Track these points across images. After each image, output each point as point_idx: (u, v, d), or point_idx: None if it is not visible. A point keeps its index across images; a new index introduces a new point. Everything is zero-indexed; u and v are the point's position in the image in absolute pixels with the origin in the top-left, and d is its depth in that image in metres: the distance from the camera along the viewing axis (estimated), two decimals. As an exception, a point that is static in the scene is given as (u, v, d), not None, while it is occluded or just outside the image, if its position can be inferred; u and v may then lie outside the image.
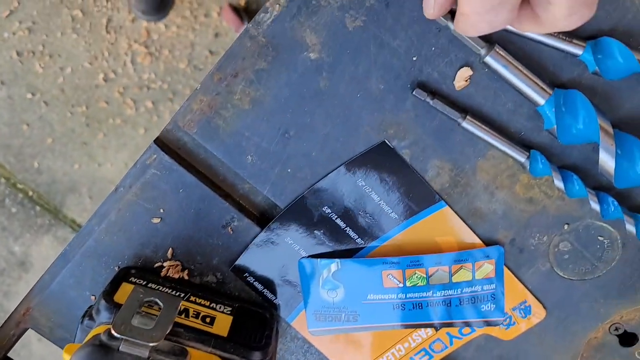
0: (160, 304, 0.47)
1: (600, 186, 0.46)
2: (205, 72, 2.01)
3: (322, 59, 0.43)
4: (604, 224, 0.47)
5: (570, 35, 0.40)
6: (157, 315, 0.45)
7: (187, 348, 0.46)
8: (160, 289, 0.51)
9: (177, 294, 0.51)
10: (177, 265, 0.52)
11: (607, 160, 0.41)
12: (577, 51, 0.40)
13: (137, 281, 0.51)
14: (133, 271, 0.52)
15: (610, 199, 0.45)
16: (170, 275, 0.52)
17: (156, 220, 0.50)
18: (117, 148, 2.05)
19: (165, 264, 0.52)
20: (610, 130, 0.41)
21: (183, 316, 0.49)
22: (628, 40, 0.41)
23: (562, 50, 0.41)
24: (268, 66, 0.44)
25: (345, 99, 0.44)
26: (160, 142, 0.48)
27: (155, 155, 0.47)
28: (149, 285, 0.51)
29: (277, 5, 0.42)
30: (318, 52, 0.43)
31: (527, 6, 0.31)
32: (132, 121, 2.06)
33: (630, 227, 0.45)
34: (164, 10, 1.79)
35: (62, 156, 2.02)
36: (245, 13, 1.90)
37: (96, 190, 2.10)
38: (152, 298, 0.47)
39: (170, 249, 0.51)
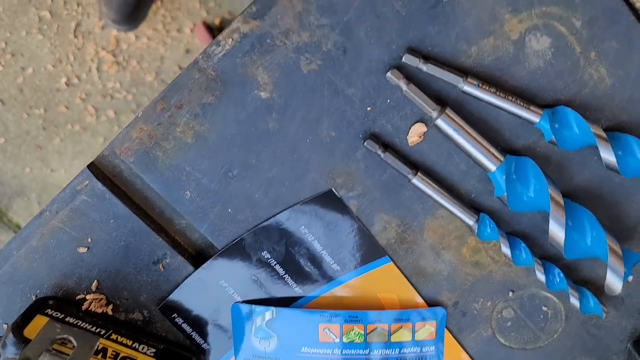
0: (74, 342, 0.43)
1: (547, 256, 0.44)
2: (173, 87, 1.97)
3: (273, 99, 0.41)
4: (549, 295, 0.46)
5: (528, 102, 0.39)
6: (68, 355, 0.42)
7: (99, 394, 0.42)
8: (79, 323, 0.47)
9: (98, 330, 0.47)
10: (102, 299, 0.48)
11: (556, 231, 0.40)
12: (534, 118, 0.39)
13: (54, 314, 0.47)
14: (51, 302, 0.48)
15: (557, 270, 0.44)
16: (93, 309, 0.49)
17: (82, 250, 0.46)
18: (73, 155, 1.99)
19: (88, 297, 0.48)
20: (561, 200, 0.40)
21: (100, 356, 0.45)
22: (584, 112, 0.40)
23: (519, 117, 0.39)
24: (215, 101, 0.41)
25: (294, 142, 0.42)
26: (95, 168, 0.45)
27: (87, 182, 0.44)
28: (67, 319, 0.47)
29: (230, 40, 0.40)
30: (269, 91, 0.41)
31: None
32: (92, 129, 2.00)
33: (575, 301, 0.44)
34: (135, 21, 1.76)
35: (14, 158, 1.94)
36: (218, 32, 1.87)
37: (46, 197, 2.01)
38: (65, 335, 0.43)
39: (96, 281, 0.48)
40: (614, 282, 0.41)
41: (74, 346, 0.43)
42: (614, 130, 0.40)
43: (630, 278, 0.43)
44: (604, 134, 0.39)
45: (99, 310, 0.49)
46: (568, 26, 0.38)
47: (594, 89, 0.40)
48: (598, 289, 0.44)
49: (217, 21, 1.93)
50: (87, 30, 1.86)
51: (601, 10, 0.38)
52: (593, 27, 0.38)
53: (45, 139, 1.94)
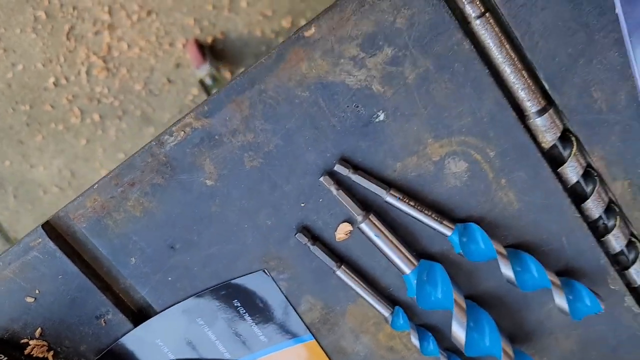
0: (13, 389, 0.46)
1: (453, 348, 0.49)
2: (161, 98, 2.00)
3: (217, 187, 0.45)
4: (454, 383, 0.50)
5: (442, 217, 0.44)
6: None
7: None
8: (20, 367, 0.51)
9: (37, 375, 0.51)
10: (44, 345, 0.52)
11: (457, 331, 0.45)
12: (447, 232, 0.44)
13: (-2, 355, 0.50)
14: (-3, 344, 0.51)
15: (461, 362, 0.48)
16: (35, 354, 0.52)
17: (30, 300, 0.50)
18: (54, 153, 2.01)
19: (31, 342, 0.52)
20: (464, 304, 0.45)
21: (35, 402, 0.49)
22: (493, 230, 0.45)
23: (433, 228, 0.44)
24: (164, 183, 0.46)
25: (233, 226, 0.46)
26: (49, 227, 0.48)
27: (40, 240, 0.48)
28: (10, 362, 0.50)
29: (182, 132, 0.44)
30: (214, 180, 0.45)
31: None
32: (75, 130, 2.02)
33: (474, 392, 0.48)
34: None
35: (-5, 150, 1.96)
36: (209, 51, 1.91)
37: (22, 191, 2.03)
38: (5, 382, 0.47)
39: (40, 328, 0.51)
40: (506, 382, 0.45)
41: (11, 391, 0.47)
42: (519, 249, 0.45)
43: (523, 379, 0.48)
44: (504, 251, 0.43)
45: (40, 355, 0.52)
46: (483, 155, 0.43)
47: (503, 211, 0.45)
48: (496, 383, 0.49)
49: (209, 39, 1.97)
50: (81, 34, 1.89)
51: (512, 145, 0.42)
52: (504, 158, 0.43)
53: (27, 135, 1.96)
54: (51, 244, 0.48)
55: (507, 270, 0.43)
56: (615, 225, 0.44)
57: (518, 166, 0.43)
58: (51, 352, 0.52)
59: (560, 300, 0.43)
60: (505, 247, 0.44)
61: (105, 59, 1.96)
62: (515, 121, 0.42)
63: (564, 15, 0.38)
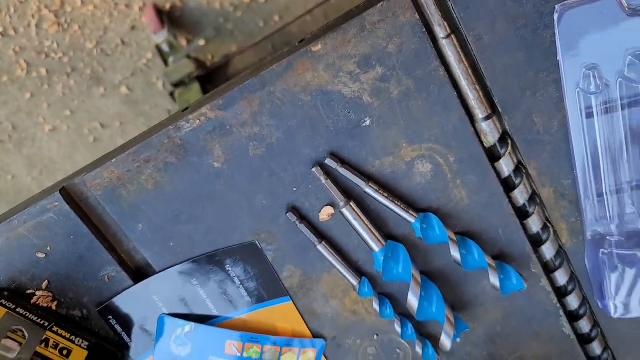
0: (26, 333, 0.53)
1: (406, 313, 0.60)
2: (113, 59, 1.99)
3: (223, 170, 0.53)
4: (402, 342, 0.61)
5: (408, 207, 0.54)
6: (15, 339, 0.52)
7: (41, 376, 0.52)
8: (27, 314, 0.57)
9: (42, 322, 0.57)
10: (49, 296, 0.58)
11: (412, 300, 0.55)
12: (410, 219, 0.54)
13: (7, 304, 0.56)
14: (5, 293, 0.57)
15: (410, 325, 0.59)
16: (40, 303, 0.58)
17: (41, 255, 0.56)
18: (-4, 104, 1.96)
19: (37, 293, 0.58)
20: (419, 278, 0.55)
21: (43, 345, 0.55)
22: (447, 219, 0.56)
23: (401, 216, 0.54)
24: (177, 162, 0.53)
25: (233, 204, 0.55)
26: (65, 193, 0.54)
27: (57, 204, 0.54)
28: (17, 309, 0.57)
29: (198, 120, 0.51)
30: (221, 163, 0.53)
31: None
32: (20, 83, 1.98)
33: (419, 349, 0.59)
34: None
35: None
36: (167, 17, 1.92)
37: (-39, 139, 1.98)
38: (19, 327, 0.53)
39: (47, 281, 0.58)
40: (446, 341, 0.57)
41: (24, 335, 0.53)
42: (465, 236, 0.56)
43: (458, 340, 0.60)
44: (454, 238, 0.54)
45: (45, 305, 0.59)
46: (445, 160, 0.53)
47: (456, 205, 0.55)
48: (437, 343, 0.60)
49: (167, 6, 1.98)
50: (33, -14, 1.85)
51: (468, 154, 0.53)
52: (461, 164, 0.53)
53: (-31, 83, 1.91)
54: (67, 208, 0.54)
55: (455, 253, 0.54)
56: (534, 211, 0.56)
57: (471, 171, 0.54)
58: (55, 302, 0.59)
59: (493, 278, 0.54)
60: (455, 234, 0.55)
61: (57, 13, 1.93)
62: (473, 136, 0.52)
63: (519, 57, 0.49)
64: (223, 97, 0.51)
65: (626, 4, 0.45)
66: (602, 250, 0.55)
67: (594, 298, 0.59)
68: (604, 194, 0.53)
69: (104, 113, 2.03)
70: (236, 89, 0.50)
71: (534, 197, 0.56)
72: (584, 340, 0.62)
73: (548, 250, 0.58)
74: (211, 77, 1.87)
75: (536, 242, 0.57)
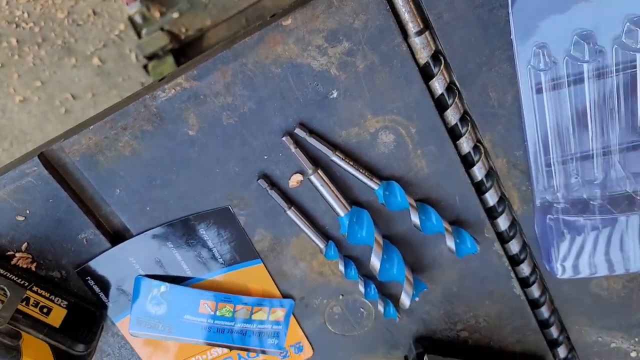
0: (7, 291, 0.55)
1: (369, 274, 0.64)
2: (85, 29, 1.97)
3: (197, 137, 0.56)
4: (366, 301, 0.66)
5: (372, 174, 0.58)
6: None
7: (22, 332, 0.55)
8: (7, 275, 0.59)
9: (22, 282, 0.60)
10: (28, 257, 0.61)
11: (374, 261, 0.60)
12: (374, 186, 0.58)
13: (-12, 265, 0.59)
14: (-14, 255, 0.59)
15: (373, 285, 0.63)
16: (20, 264, 0.61)
17: (20, 218, 0.58)
18: (-36, 74, 1.93)
19: (17, 255, 0.60)
20: (381, 241, 0.60)
21: (24, 304, 0.58)
22: (408, 187, 0.60)
23: (365, 183, 0.58)
24: (153, 129, 0.55)
25: (206, 170, 0.57)
26: (43, 158, 0.57)
27: (35, 168, 0.56)
28: (-2, 270, 0.59)
29: (173, 90, 0.54)
30: (195, 131, 0.56)
31: None
32: (-11, 52, 1.95)
33: (381, 308, 0.64)
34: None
35: None
36: (141, -12, 1.90)
37: None
38: (1, 286, 0.56)
39: (26, 243, 0.60)
40: (405, 300, 0.61)
41: (5, 294, 0.56)
42: (425, 203, 0.60)
43: (417, 299, 0.64)
44: (414, 204, 0.58)
45: (24, 266, 0.61)
46: (407, 131, 0.57)
47: (416, 174, 0.59)
48: (397, 302, 0.65)
49: (140, -24, 1.95)
50: (2, -47, 1.81)
51: (428, 126, 0.57)
52: (422, 135, 0.57)
53: None
54: (45, 172, 0.56)
55: (415, 218, 0.58)
56: (492, 185, 0.60)
57: (431, 142, 0.58)
58: (34, 264, 0.61)
59: (450, 242, 0.59)
60: (415, 200, 0.59)
61: (27, -18, 1.89)
62: (433, 109, 0.56)
63: (476, 35, 0.52)
64: (197, 67, 0.53)
65: (573, -12, 0.49)
66: (549, 216, 0.59)
67: (542, 261, 0.64)
68: (552, 164, 0.57)
69: (76, 84, 2.01)
70: (210, 60, 0.53)
71: (490, 173, 0.60)
72: (534, 305, 0.67)
73: (503, 222, 0.62)
74: (185, 50, 1.87)
75: (491, 210, 0.62)
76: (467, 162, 0.59)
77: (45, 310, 0.59)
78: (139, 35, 1.86)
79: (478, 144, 0.58)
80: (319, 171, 0.57)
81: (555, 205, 0.59)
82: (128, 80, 2.02)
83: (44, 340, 0.57)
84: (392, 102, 0.55)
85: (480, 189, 0.60)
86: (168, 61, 1.81)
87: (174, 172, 0.57)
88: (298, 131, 0.55)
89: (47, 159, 0.57)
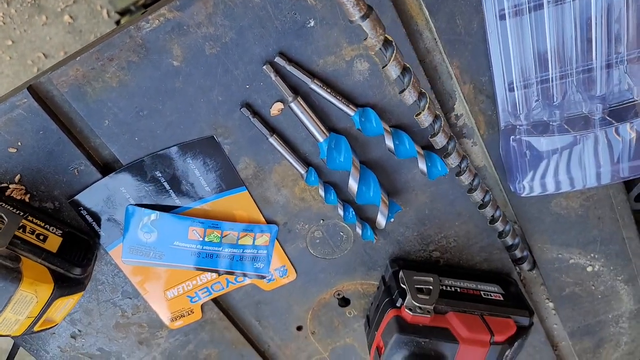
0: (5, 218, 0.58)
1: (348, 199, 0.68)
2: (53, -15, 1.93)
3: (181, 68, 0.59)
4: (345, 225, 0.70)
5: (348, 101, 0.61)
6: None
7: (21, 256, 0.58)
8: (2, 205, 0.62)
9: (17, 212, 0.62)
10: (22, 189, 0.63)
11: (352, 185, 0.64)
12: (350, 112, 0.62)
13: (-17, 195, 0.61)
14: (-19, 186, 0.62)
15: (351, 209, 0.68)
16: (13, 195, 0.63)
17: (12, 150, 0.61)
18: None
19: (10, 186, 0.63)
20: (358, 166, 0.64)
21: (21, 231, 0.61)
22: (382, 113, 0.63)
23: (342, 110, 0.61)
24: (139, 60, 0.58)
25: (191, 100, 0.60)
26: (32, 90, 0.59)
27: (25, 100, 0.58)
28: (-7, 200, 0.61)
29: (157, 21, 0.56)
30: (180, 61, 0.58)
31: None
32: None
33: (359, 230, 0.68)
34: None
35: None
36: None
37: None
38: (-1, 213, 0.58)
39: (19, 175, 0.62)
40: (381, 220, 0.66)
41: (2, 220, 0.59)
42: (398, 128, 0.64)
43: (392, 220, 0.69)
44: (389, 129, 0.62)
45: (18, 198, 0.64)
46: (381, 59, 0.60)
47: (390, 100, 0.63)
48: (374, 225, 0.69)
49: None
50: None
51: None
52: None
53: None
54: (35, 105, 0.59)
55: (389, 143, 0.62)
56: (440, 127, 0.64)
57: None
58: (28, 195, 0.64)
59: (422, 165, 0.63)
60: (389, 126, 0.63)
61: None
62: (405, 37, 0.59)
63: (444, -37, 0.56)
64: (180, -2, 0.55)
65: None
66: (512, 137, 0.64)
67: (507, 182, 0.69)
68: (515, 88, 0.62)
69: (47, 42, 1.98)
70: (192, -9, 0.55)
71: (438, 117, 0.64)
72: (492, 221, 0.73)
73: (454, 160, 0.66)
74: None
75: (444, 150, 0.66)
76: (438, 90, 0.63)
77: (41, 237, 0.62)
78: (110, -10, 1.84)
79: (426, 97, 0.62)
80: (298, 99, 0.60)
81: (518, 127, 0.64)
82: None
83: (42, 264, 0.60)
84: (366, 31, 0.59)
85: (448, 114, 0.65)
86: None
87: (160, 102, 0.60)
88: (278, 60, 0.58)
89: (36, 92, 0.59)
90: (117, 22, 1.85)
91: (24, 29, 1.97)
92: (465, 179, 0.63)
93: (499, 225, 0.69)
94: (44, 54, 2.00)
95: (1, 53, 1.98)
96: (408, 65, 0.51)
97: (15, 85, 1.99)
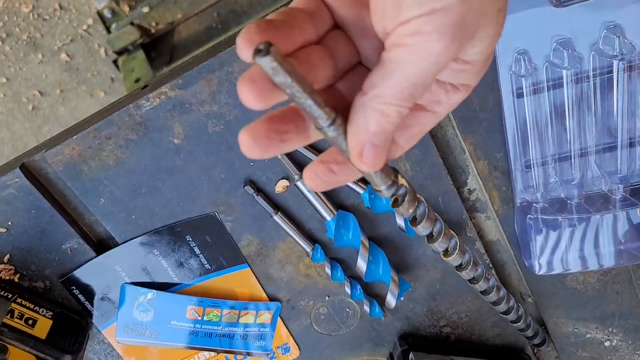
0: (-8, 305, 0.55)
1: (354, 276, 0.65)
2: (51, 24, 1.92)
3: (183, 146, 0.56)
4: (351, 301, 0.67)
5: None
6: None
7: (8, 345, 0.55)
8: (-10, 287, 0.58)
9: (6, 294, 0.59)
10: (11, 269, 0.60)
11: (361, 264, 0.61)
12: (359, 190, 0.59)
13: (-30, 278, 0.57)
14: (-33, 267, 0.58)
15: (358, 286, 0.65)
16: (2, 276, 0.60)
17: (2, 230, 0.57)
18: None
19: (-1, 266, 0.59)
20: (367, 244, 0.61)
21: (9, 316, 0.57)
22: (392, 190, 0.61)
23: (350, 188, 0.59)
24: (138, 138, 0.55)
25: (192, 177, 0.57)
26: (25, 169, 0.56)
27: (17, 179, 0.55)
28: (-20, 283, 0.58)
29: (158, 99, 0.53)
30: (181, 139, 0.55)
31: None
32: (-50, 48, 1.89)
33: (366, 307, 0.65)
34: None
35: None
36: (108, -19, 1.86)
37: None
38: (-15, 299, 0.55)
39: (9, 254, 0.59)
40: (391, 300, 0.63)
41: (-11, 307, 0.55)
42: (409, 204, 0.61)
43: (402, 298, 0.66)
44: (400, 208, 0.59)
45: (7, 278, 0.60)
46: (391, 135, 0.58)
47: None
48: (382, 301, 0.66)
49: (108, -31, 1.90)
50: (-40, -56, 1.75)
51: (412, 130, 0.58)
52: (406, 139, 0.58)
53: None
54: (27, 183, 0.55)
55: (399, 220, 0.59)
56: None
57: (415, 146, 0.58)
58: (17, 275, 0.60)
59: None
60: (400, 203, 0.60)
61: (-12, -26, 1.83)
62: (417, 113, 0.57)
63: (458, 41, 0.53)
64: (182, 76, 0.53)
65: (552, -4, 0.50)
66: (529, 215, 0.61)
67: (522, 258, 0.66)
68: (531, 165, 0.59)
69: (43, 80, 1.96)
70: (195, 69, 0.53)
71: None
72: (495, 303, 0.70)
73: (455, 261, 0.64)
74: (156, 45, 1.84)
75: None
76: (449, 166, 0.61)
77: (30, 322, 0.58)
78: (108, 30, 1.82)
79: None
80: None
81: (534, 204, 0.61)
82: (97, 75, 1.97)
83: (31, 352, 0.57)
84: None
85: (461, 194, 0.62)
86: (139, 56, 1.77)
87: (160, 180, 0.57)
88: (284, 138, 0.56)
89: (29, 170, 0.56)
90: (114, 62, 1.84)
91: (19, 66, 1.96)
92: (467, 274, 0.59)
93: (503, 307, 0.65)
94: (39, 92, 1.97)
95: (-6, 91, 1.96)
96: (422, 199, 0.38)
97: (9, 124, 1.96)
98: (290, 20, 0.30)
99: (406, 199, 0.34)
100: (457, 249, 0.42)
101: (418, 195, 0.36)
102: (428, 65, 0.28)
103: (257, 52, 0.26)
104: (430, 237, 0.39)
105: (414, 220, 0.37)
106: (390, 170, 0.34)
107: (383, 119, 0.30)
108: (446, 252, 0.42)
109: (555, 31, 0.52)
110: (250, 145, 0.30)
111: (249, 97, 0.28)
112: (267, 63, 0.26)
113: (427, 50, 0.28)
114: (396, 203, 0.34)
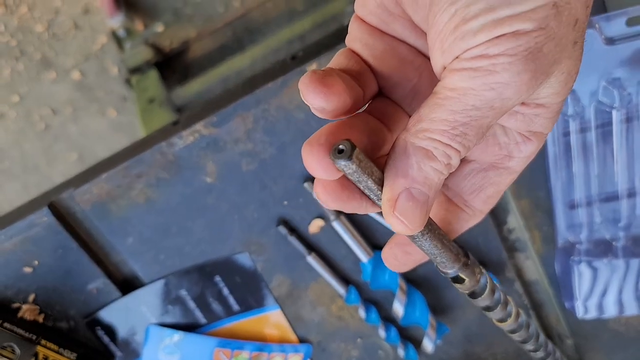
0: (18, 350, 0.53)
1: (389, 318, 0.62)
2: (65, 43, 1.92)
3: (215, 184, 0.54)
4: (384, 343, 0.64)
5: (395, 219, 0.56)
6: (5, 356, 0.51)
7: (32, 391, 0.52)
8: (14, 329, 0.56)
9: (30, 335, 0.57)
10: (35, 309, 0.58)
11: (398, 306, 0.58)
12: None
13: (-7, 319, 0.55)
14: (-10, 308, 0.56)
15: (394, 329, 0.62)
16: (26, 317, 0.58)
17: (28, 270, 0.55)
18: (-63, 89, 1.86)
19: (23, 306, 0.57)
20: (404, 287, 0.58)
21: (34, 359, 0.55)
22: (430, 229, 0.58)
23: (387, 228, 0.56)
24: (169, 177, 0.53)
25: (224, 216, 0.55)
26: (53, 207, 0.54)
27: (45, 218, 0.53)
28: (4, 324, 0.56)
29: (191, 137, 0.51)
30: (213, 178, 0.53)
31: None
32: (-36, 66, 1.89)
33: (401, 351, 0.62)
34: None
35: None
36: (124, 0, 1.86)
37: None
38: (10, 343, 0.53)
39: (34, 294, 0.57)
40: (428, 344, 0.60)
41: (13, 351, 0.53)
42: (447, 244, 0.59)
43: (439, 342, 0.63)
44: (439, 249, 0.57)
45: (31, 319, 0.58)
46: (431, 174, 0.56)
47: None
48: (417, 344, 0.63)
49: (124, -11, 1.90)
50: (-24, -36, 1.75)
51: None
52: (446, 178, 0.56)
53: None
54: (55, 222, 0.53)
55: (438, 262, 0.57)
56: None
57: (455, 184, 0.56)
58: (42, 315, 0.58)
59: (473, 284, 0.58)
60: (438, 243, 0.58)
61: (4, -7, 1.83)
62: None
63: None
64: (217, 114, 0.51)
65: (603, 35, 0.48)
66: (572, 257, 0.59)
67: (562, 299, 0.63)
68: (576, 205, 0.57)
69: (55, 99, 1.96)
70: (230, 107, 0.51)
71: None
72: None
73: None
74: (169, 64, 1.83)
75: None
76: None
77: (53, 365, 0.56)
78: (121, 48, 1.82)
79: (501, 186, 0.57)
80: (341, 217, 0.55)
81: (577, 246, 0.59)
82: (110, 94, 1.97)
83: (54, 398, 0.54)
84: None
85: (502, 233, 0.60)
86: (152, 75, 1.77)
87: (190, 219, 0.55)
88: (321, 177, 0.54)
89: (57, 208, 0.54)
90: (127, 81, 1.83)
91: (32, 85, 1.95)
92: (509, 326, 0.56)
93: (540, 353, 0.63)
94: (51, 110, 1.97)
95: (7, 109, 1.95)
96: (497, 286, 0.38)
97: (20, 142, 1.96)
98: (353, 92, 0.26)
99: (486, 292, 0.31)
100: (514, 315, 0.39)
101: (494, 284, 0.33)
102: (492, 97, 0.22)
103: (339, 152, 0.23)
104: (488, 309, 0.37)
105: (472, 294, 0.34)
106: (459, 250, 0.31)
107: (426, 162, 0.24)
108: (501, 320, 0.39)
109: (604, 70, 0.50)
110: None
111: (328, 200, 0.27)
112: (348, 166, 0.23)
113: (492, 76, 0.22)
114: (473, 295, 0.31)
